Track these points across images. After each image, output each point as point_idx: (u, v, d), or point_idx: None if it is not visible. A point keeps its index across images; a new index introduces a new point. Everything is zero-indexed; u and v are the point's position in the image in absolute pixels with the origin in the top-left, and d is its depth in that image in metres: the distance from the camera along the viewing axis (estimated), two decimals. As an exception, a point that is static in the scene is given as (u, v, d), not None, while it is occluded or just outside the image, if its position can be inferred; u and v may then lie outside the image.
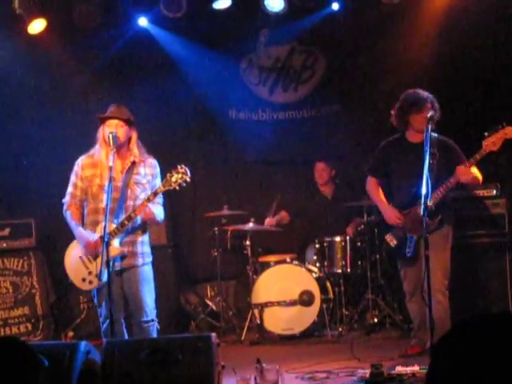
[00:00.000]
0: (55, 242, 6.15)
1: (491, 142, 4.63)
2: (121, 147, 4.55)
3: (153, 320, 4.56)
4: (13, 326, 6.27)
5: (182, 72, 7.06)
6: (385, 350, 5.30)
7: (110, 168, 4.34)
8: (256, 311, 6.16)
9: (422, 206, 4.19)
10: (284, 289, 6.16)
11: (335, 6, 6.72)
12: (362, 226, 6.51)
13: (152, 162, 4.68)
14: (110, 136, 4.42)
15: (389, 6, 6.38)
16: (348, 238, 6.39)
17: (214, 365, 3.43)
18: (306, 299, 6.08)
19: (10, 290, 6.32)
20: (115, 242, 4.41)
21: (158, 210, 4.55)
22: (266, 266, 6.42)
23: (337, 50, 7.19)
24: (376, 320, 6.31)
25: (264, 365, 3.86)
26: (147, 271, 4.61)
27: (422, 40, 6.64)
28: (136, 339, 4.30)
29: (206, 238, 6.88)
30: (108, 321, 4.31)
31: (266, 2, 6.49)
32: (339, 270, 6.36)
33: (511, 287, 5.74)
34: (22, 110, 6.69)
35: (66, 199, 4.63)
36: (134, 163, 4.59)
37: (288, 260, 6.37)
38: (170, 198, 5.81)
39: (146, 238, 4.65)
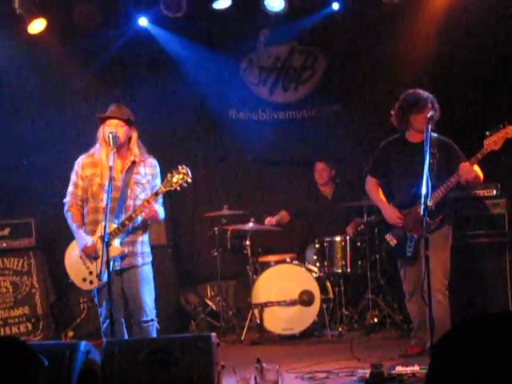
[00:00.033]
0: (55, 241, 6.15)
1: (493, 142, 4.63)
2: (121, 147, 4.55)
3: (152, 320, 4.56)
4: (13, 325, 6.28)
5: (182, 72, 7.06)
6: (385, 350, 5.29)
7: (110, 168, 4.34)
8: (256, 311, 6.16)
9: (422, 206, 4.19)
10: (284, 289, 6.15)
11: (335, 6, 6.73)
12: (362, 226, 6.51)
13: (152, 161, 4.68)
14: (110, 136, 4.41)
15: (389, 6, 6.38)
16: (348, 237, 6.39)
17: (213, 365, 3.43)
18: (305, 299, 6.08)
19: (10, 290, 6.32)
20: (116, 242, 4.41)
21: (159, 209, 4.56)
22: (265, 265, 6.42)
23: (337, 50, 7.19)
24: (376, 320, 6.31)
25: (264, 365, 3.86)
26: (147, 271, 4.61)
27: (422, 40, 6.64)
28: (136, 339, 4.30)
29: (206, 237, 6.88)
30: (108, 320, 4.31)
31: (266, 2, 6.50)
32: (339, 270, 6.36)
33: (511, 287, 5.74)
34: (21, 109, 6.69)
35: (67, 199, 4.63)
36: (134, 163, 4.59)
37: (288, 260, 6.37)
38: (171, 198, 5.82)
39: (145, 237, 4.65)
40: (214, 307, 6.82)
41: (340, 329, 6.19)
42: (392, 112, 5.07)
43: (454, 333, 1.83)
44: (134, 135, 4.62)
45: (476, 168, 4.80)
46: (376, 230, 6.20)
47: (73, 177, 4.63)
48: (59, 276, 5.52)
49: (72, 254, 4.59)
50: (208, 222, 6.85)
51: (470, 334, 1.77)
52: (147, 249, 4.65)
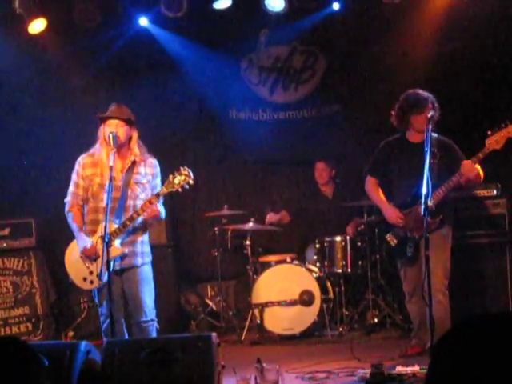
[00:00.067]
0: (55, 241, 6.15)
1: (494, 141, 4.62)
2: (121, 147, 4.55)
3: (152, 320, 4.56)
4: (13, 325, 6.28)
5: (182, 72, 7.06)
6: (385, 350, 5.29)
7: (111, 168, 4.34)
8: (256, 311, 6.16)
9: (423, 206, 4.19)
10: (284, 289, 6.15)
11: (335, 6, 6.73)
12: (362, 226, 6.51)
13: (152, 161, 4.68)
14: (111, 136, 4.41)
15: (389, 6, 6.38)
16: (348, 237, 6.39)
17: (214, 365, 3.43)
18: (306, 299, 6.08)
19: (11, 290, 6.32)
20: (116, 243, 4.41)
21: (161, 209, 4.56)
22: (266, 265, 6.42)
23: (337, 50, 7.20)
24: (376, 320, 6.31)
25: (264, 365, 3.86)
26: (147, 271, 4.61)
27: (422, 40, 6.64)
28: (136, 339, 4.30)
29: (206, 237, 6.88)
30: (108, 320, 4.31)
31: (266, 2, 6.50)
32: (339, 270, 6.36)
33: (511, 287, 5.74)
34: (21, 109, 6.69)
35: (68, 199, 4.63)
36: (134, 163, 4.59)
37: (288, 260, 6.37)
38: (171, 198, 5.81)
39: (145, 237, 4.65)
40: (214, 307, 6.82)
41: (340, 329, 6.19)
42: (392, 112, 5.07)
43: (453, 333, 1.83)
44: (135, 135, 4.62)
45: (477, 167, 4.80)
46: (376, 230, 6.19)
47: (74, 176, 4.63)
48: (59, 276, 5.53)
49: (72, 254, 4.59)
50: (208, 222, 6.86)
51: (470, 334, 1.77)
52: (147, 248, 4.65)
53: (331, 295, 6.27)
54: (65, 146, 6.22)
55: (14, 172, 6.68)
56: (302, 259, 6.57)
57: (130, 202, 4.53)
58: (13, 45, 6.35)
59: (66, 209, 4.63)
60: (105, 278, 4.29)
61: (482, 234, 5.84)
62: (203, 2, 6.56)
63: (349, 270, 6.36)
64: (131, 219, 4.42)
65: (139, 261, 4.56)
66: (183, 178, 4.38)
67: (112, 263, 4.32)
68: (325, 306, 6.12)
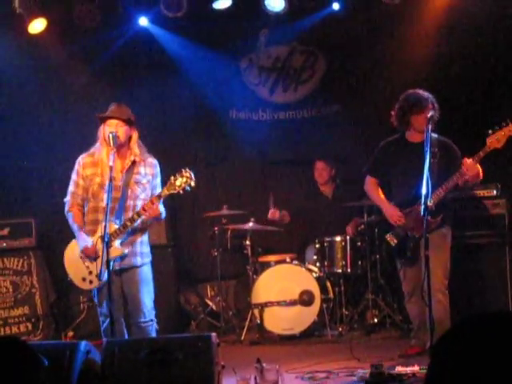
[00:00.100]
0: (55, 241, 6.16)
1: (495, 139, 4.62)
2: (121, 147, 4.54)
3: (151, 320, 4.56)
4: (13, 325, 6.28)
5: (182, 72, 7.06)
6: (385, 350, 5.30)
7: (111, 167, 4.34)
8: (256, 311, 6.16)
9: (422, 207, 4.19)
10: (284, 289, 6.15)
11: (335, 6, 6.72)
12: (362, 226, 6.51)
13: (152, 161, 4.68)
14: (110, 136, 4.41)
15: (389, 6, 6.38)
16: (348, 237, 6.39)
17: (213, 365, 3.43)
18: (306, 299, 6.08)
19: (10, 290, 6.32)
20: (116, 243, 4.41)
21: (162, 209, 4.56)
22: (266, 265, 6.42)
23: (337, 50, 7.19)
24: (376, 320, 6.31)
25: (264, 365, 3.86)
26: (146, 272, 4.61)
27: (422, 40, 6.64)
28: (136, 339, 4.30)
29: (206, 237, 6.88)
30: (108, 320, 4.32)
31: (266, 2, 6.50)
32: (339, 270, 6.36)
33: (511, 287, 5.74)
34: (21, 109, 6.69)
35: (68, 198, 4.63)
36: (134, 163, 4.59)
37: (288, 260, 6.37)
38: (171, 198, 5.81)
39: (145, 237, 4.65)
40: (214, 307, 6.82)
41: (340, 329, 6.19)
42: (392, 112, 5.07)
43: (453, 333, 1.83)
44: (135, 135, 4.62)
45: (477, 166, 4.80)
46: (376, 230, 6.19)
47: (73, 176, 4.63)
48: (59, 276, 5.52)
49: (72, 253, 4.59)
50: (208, 222, 6.85)
51: (470, 334, 1.77)
52: (146, 249, 4.65)
53: (331, 295, 6.27)
54: (65, 146, 6.22)
55: (14, 172, 6.68)
56: (301, 259, 6.57)
57: (130, 203, 4.53)
58: (13, 45, 6.35)
59: (66, 208, 4.63)
60: (104, 277, 4.29)
61: (482, 235, 5.84)
62: (203, 2, 6.56)
63: (349, 269, 6.36)
64: (132, 220, 4.42)
65: (139, 261, 4.56)
66: (185, 180, 4.38)
67: (111, 263, 4.32)
68: (324, 305, 6.12)
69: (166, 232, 6.70)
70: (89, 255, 4.46)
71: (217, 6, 6.57)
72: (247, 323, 6.27)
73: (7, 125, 6.57)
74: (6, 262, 6.33)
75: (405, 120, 5.00)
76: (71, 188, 4.62)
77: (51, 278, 6.47)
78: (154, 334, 4.55)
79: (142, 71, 6.96)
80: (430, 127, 4.47)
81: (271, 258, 6.54)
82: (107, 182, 4.36)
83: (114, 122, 4.51)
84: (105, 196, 4.37)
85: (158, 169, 4.69)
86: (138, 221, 4.48)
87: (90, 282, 4.49)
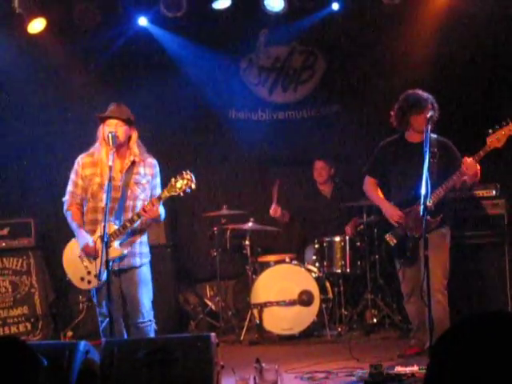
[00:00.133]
0: (54, 241, 6.16)
1: (495, 139, 4.62)
2: (120, 147, 4.54)
3: (150, 321, 4.55)
4: (12, 325, 6.28)
5: (182, 72, 7.06)
6: (384, 350, 5.30)
7: (110, 167, 4.33)
8: (255, 311, 6.16)
9: (422, 207, 4.19)
10: (283, 289, 6.15)
11: (335, 6, 6.73)
12: (362, 226, 6.51)
13: (152, 161, 4.67)
14: (110, 136, 4.40)
15: (389, 6, 6.38)
16: (347, 237, 6.39)
17: (213, 365, 3.43)
18: (305, 299, 6.08)
19: (9, 290, 6.32)
20: (116, 244, 4.41)
21: (161, 210, 4.55)
22: (265, 265, 6.42)
23: (337, 50, 7.20)
24: (375, 320, 6.31)
25: (263, 365, 3.86)
26: (145, 272, 4.60)
27: (422, 40, 6.65)
28: (135, 339, 4.30)
29: (206, 237, 6.87)
30: (107, 320, 4.31)
31: (266, 2, 6.50)
32: (338, 270, 6.36)
33: (511, 287, 5.74)
34: (21, 109, 6.69)
35: (66, 198, 4.62)
36: (133, 163, 4.58)
37: (287, 260, 6.37)
38: (170, 198, 5.81)
39: (144, 238, 4.64)
40: (213, 307, 6.82)
41: (339, 329, 6.19)
42: (392, 112, 5.07)
43: (452, 332, 1.83)
44: (134, 135, 4.61)
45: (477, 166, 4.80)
46: (375, 230, 6.20)
47: (72, 176, 4.62)
48: (58, 276, 5.52)
49: (70, 253, 4.58)
50: (207, 222, 6.85)
51: (469, 334, 1.77)
52: (146, 249, 4.65)
53: (330, 295, 6.26)
54: (65, 146, 6.22)
55: (14, 172, 6.67)
56: (301, 259, 6.57)
57: (129, 203, 4.52)
58: (13, 45, 6.35)
59: (65, 207, 4.62)
60: (103, 277, 4.28)
61: (481, 235, 5.84)
62: (203, 2, 6.57)
63: (348, 270, 6.36)
64: (131, 221, 4.41)
65: (138, 261, 4.55)
66: (185, 182, 4.37)
67: (110, 263, 4.31)
68: (324, 306, 6.12)
69: (166, 232, 6.70)
70: (89, 253, 4.45)
71: (216, 6, 6.57)
72: (246, 323, 6.27)
73: (7, 125, 6.57)
74: (5, 261, 6.33)
75: (404, 120, 5.00)
76: (70, 187, 4.61)
77: (50, 277, 6.48)
78: (152, 335, 4.54)
79: (141, 71, 6.96)
80: (429, 127, 4.47)
81: (270, 258, 6.54)
82: (106, 182, 4.35)
83: (113, 121, 4.51)
84: (104, 196, 4.37)
85: (158, 169, 4.68)
86: (138, 222, 4.47)
87: (89, 281, 4.48)
